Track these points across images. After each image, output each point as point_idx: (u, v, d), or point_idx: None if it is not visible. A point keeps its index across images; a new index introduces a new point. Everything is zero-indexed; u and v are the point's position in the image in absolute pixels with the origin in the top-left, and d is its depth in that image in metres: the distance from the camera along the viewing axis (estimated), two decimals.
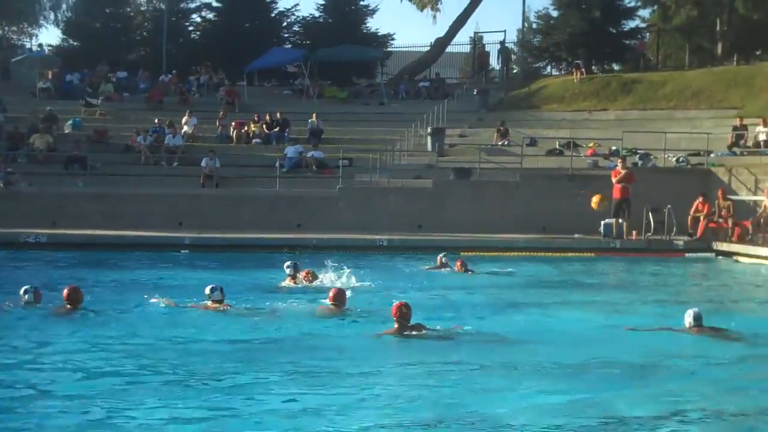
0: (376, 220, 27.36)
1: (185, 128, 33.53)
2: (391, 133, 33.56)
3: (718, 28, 41.32)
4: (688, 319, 12.43)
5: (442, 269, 20.29)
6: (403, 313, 12.07)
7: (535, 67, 47.45)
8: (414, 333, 11.96)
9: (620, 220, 25.73)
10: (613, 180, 26.01)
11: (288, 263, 17.38)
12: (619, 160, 26.95)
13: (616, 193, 25.89)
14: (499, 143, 32.61)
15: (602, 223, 25.61)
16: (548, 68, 47.28)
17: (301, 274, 17.33)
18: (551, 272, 21.50)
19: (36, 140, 31.49)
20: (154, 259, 21.61)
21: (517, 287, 18.48)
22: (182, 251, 23.51)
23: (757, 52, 41.32)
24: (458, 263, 20.35)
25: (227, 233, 25.20)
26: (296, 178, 30.12)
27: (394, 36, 51.21)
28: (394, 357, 11.48)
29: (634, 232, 25.46)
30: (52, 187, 28.55)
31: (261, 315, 13.81)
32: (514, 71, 46.71)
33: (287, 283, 17.00)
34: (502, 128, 33.19)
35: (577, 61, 40.85)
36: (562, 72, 44.59)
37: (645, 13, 47.11)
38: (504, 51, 43.96)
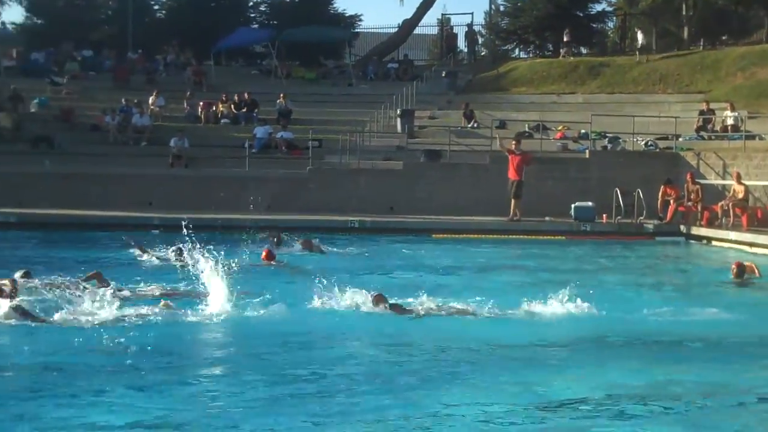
0: (346, 201, 27.35)
1: (152, 108, 33.24)
2: (360, 115, 33.43)
3: (684, 13, 41.58)
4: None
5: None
6: None
7: (503, 49, 47.57)
8: None
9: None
10: (509, 160, 26.19)
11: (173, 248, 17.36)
12: (513, 143, 27.04)
13: (511, 174, 26.07)
14: (468, 126, 32.63)
15: (573, 206, 25.70)
16: (516, 51, 47.44)
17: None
18: (515, 255, 21.56)
19: (1, 119, 31.13)
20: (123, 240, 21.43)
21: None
22: (152, 231, 23.35)
23: (723, 37, 41.62)
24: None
25: (197, 214, 24.99)
26: (266, 158, 29.95)
27: (361, 17, 51.25)
28: None
29: (604, 216, 25.55)
30: (18, 167, 28.21)
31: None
32: (482, 54, 46.72)
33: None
34: (467, 111, 33.20)
35: (567, 39, 40.69)
36: (530, 55, 44.75)
37: None
38: (471, 33, 43.96)
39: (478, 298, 12.97)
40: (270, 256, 17.81)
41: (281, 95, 34.25)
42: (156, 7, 49.84)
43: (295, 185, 28.22)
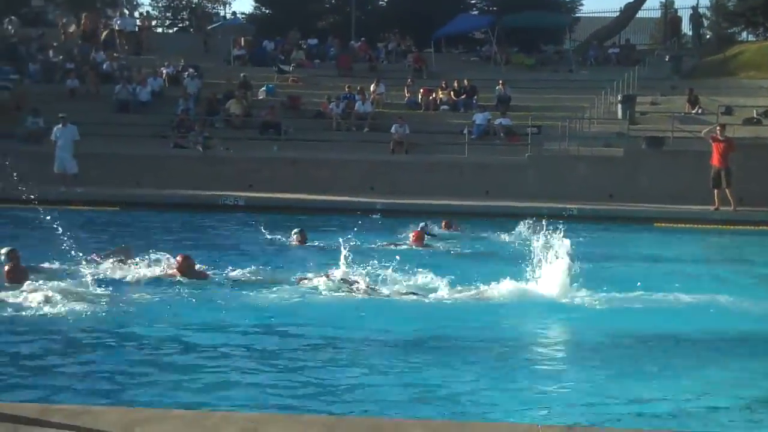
0: (564, 188, 27.13)
1: (374, 95, 33.92)
2: (580, 101, 33.04)
3: None
4: None
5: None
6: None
7: (729, 32, 45.86)
8: None
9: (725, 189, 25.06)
10: (714, 147, 25.34)
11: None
12: (718, 128, 25.97)
13: (715, 162, 25.10)
14: (692, 112, 31.73)
15: None
16: (744, 34, 45.62)
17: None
18: (746, 245, 20.86)
19: (232, 106, 32.56)
20: (348, 223, 22.00)
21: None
22: (374, 216, 23.85)
23: None
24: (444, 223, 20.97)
25: (417, 199, 25.47)
26: (484, 145, 30.11)
27: (581, 1, 50.45)
28: None
29: None
30: (248, 152, 29.57)
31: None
32: (707, 37, 45.20)
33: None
34: (691, 96, 32.24)
35: None
36: (760, 38, 42.95)
37: None
38: (696, 16, 42.59)
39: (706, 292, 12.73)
40: (419, 238, 18.29)
41: (500, 82, 34.28)
42: None
43: (514, 171, 28.23)
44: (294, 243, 18.21)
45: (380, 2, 50.62)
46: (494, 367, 9.61)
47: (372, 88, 34.20)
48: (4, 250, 13.80)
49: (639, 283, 13.08)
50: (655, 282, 13.71)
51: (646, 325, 11.48)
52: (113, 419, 5.55)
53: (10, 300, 11.79)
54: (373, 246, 17.89)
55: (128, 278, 13.62)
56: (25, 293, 12.01)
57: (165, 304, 12.13)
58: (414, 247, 18.18)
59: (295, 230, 18.39)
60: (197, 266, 14.22)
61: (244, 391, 8.44)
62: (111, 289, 12.67)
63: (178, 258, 14.06)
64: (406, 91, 34.61)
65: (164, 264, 14.26)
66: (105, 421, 5.48)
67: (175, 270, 13.91)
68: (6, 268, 13.05)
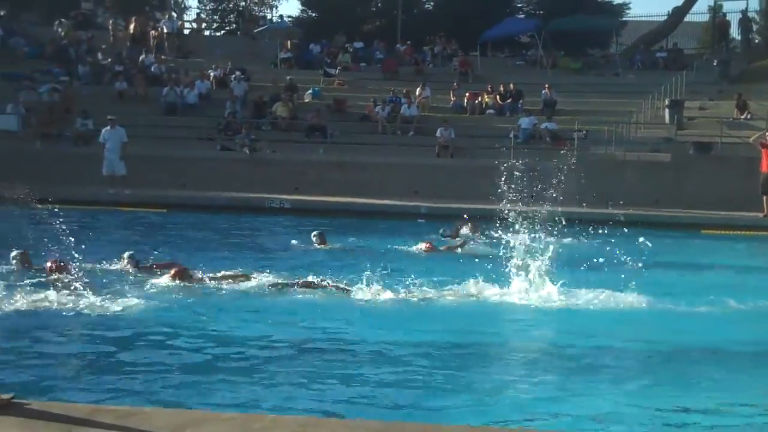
0: (611, 193, 26.92)
1: (420, 98, 33.93)
2: (627, 105, 32.86)
3: None
4: None
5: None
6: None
7: None
8: None
9: None
10: (763, 153, 24.98)
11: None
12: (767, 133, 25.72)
13: (764, 168, 24.85)
14: (741, 117, 31.42)
15: None
16: None
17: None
18: None
19: (278, 109, 32.73)
20: (393, 227, 22.09)
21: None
22: (419, 220, 23.88)
23: None
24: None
25: (462, 203, 25.40)
26: (530, 149, 29.97)
27: (629, 5, 50.07)
28: None
29: None
30: (294, 155, 29.70)
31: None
32: (756, 41, 44.72)
33: None
34: (740, 101, 31.92)
35: None
36: None
37: None
38: (745, 20, 42.15)
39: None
40: (430, 248, 18.31)
41: (546, 86, 34.18)
42: None
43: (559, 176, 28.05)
44: (315, 245, 18.16)
45: (426, 6, 50.62)
46: (536, 374, 9.59)
47: (418, 92, 34.25)
48: (14, 253, 13.97)
49: (685, 291, 12.99)
50: (701, 290, 13.60)
51: (691, 334, 11.41)
52: (163, 421, 5.62)
53: (56, 296, 11.93)
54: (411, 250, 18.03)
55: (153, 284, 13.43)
56: (66, 290, 12.11)
57: (207, 308, 12.23)
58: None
59: (315, 233, 18.35)
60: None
61: (293, 394, 8.49)
62: (151, 290, 12.82)
63: (175, 270, 13.74)
64: (451, 94, 34.60)
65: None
66: (155, 423, 5.55)
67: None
68: (48, 264, 13.20)
